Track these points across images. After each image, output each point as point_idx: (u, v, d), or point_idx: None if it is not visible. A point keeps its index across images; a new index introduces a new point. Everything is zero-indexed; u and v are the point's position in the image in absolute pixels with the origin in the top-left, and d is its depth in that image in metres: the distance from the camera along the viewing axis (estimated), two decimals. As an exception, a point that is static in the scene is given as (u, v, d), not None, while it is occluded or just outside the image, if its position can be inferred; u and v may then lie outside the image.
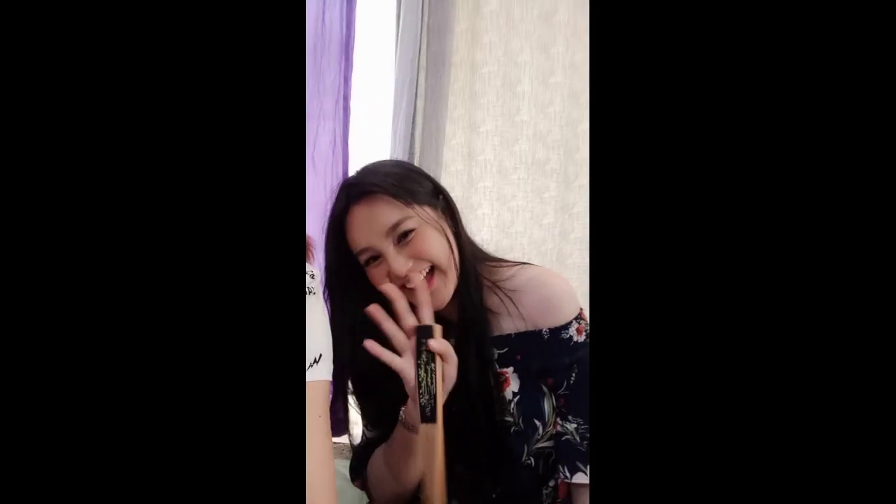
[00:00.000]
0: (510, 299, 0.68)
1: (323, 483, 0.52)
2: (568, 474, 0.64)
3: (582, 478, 0.64)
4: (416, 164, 1.06)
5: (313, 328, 0.56)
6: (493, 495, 0.69)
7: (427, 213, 0.65)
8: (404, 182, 0.66)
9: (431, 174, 0.79)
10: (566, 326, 0.66)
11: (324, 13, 1.11)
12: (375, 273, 0.64)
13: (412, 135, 1.09)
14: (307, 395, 0.52)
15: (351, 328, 0.67)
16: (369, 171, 0.69)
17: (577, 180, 1.20)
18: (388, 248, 0.63)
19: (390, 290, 0.61)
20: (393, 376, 0.61)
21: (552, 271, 0.73)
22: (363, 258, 0.65)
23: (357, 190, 0.65)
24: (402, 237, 0.63)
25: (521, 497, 0.69)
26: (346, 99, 1.12)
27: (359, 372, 0.68)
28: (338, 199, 0.67)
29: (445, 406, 0.62)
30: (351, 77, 1.12)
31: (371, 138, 1.19)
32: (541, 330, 0.67)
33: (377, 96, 1.19)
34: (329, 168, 1.12)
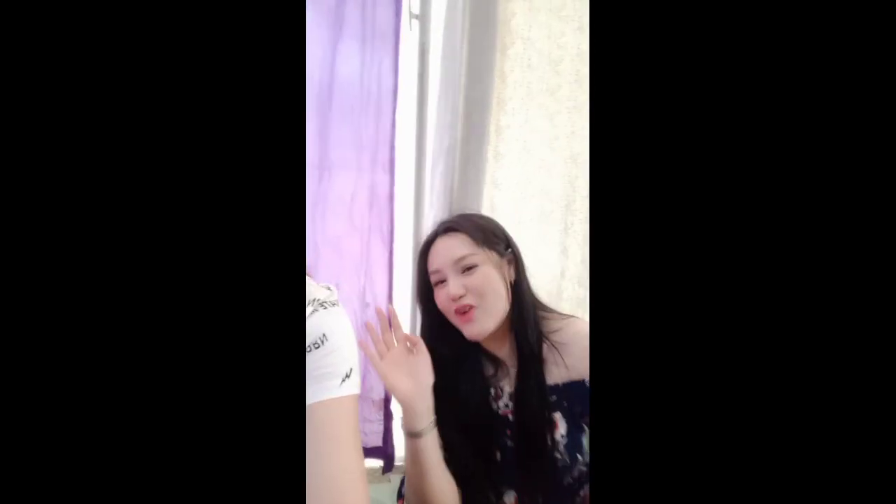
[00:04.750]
0: (558, 351, 0.79)
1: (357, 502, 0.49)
2: None
3: None
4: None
5: (341, 343, 0.54)
6: None
7: (493, 256, 0.79)
8: (482, 229, 0.81)
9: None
10: None
11: (363, 67, 1.18)
12: (439, 294, 0.80)
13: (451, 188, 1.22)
14: (338, 411, 0.51)
15: (430, 330, 0.84)
16: (461, 216, 0.87)
17: (573, 227, 1.43)
18: (451, 274, 0.78)
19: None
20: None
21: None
22: (434, 279, 0.81)
23: (445, 226, 0.84)
24: (466, 269, 0.78)
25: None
26: (392, 154, 1.20)
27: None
28: (431, 232, 0.86)
29: (500, 441, 0.75)
30: (394, 133, 1.20)
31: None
32: (584, 380, 0.78)
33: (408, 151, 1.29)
34: (365, 221, 1.19)
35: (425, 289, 0.83)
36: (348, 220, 1.18)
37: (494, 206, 1.31)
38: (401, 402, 0.75)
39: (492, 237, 0.81)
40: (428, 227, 1.18)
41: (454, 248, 0.79)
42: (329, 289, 0.60)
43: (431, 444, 0.73)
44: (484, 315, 0.77)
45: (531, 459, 0.76)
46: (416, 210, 1.26)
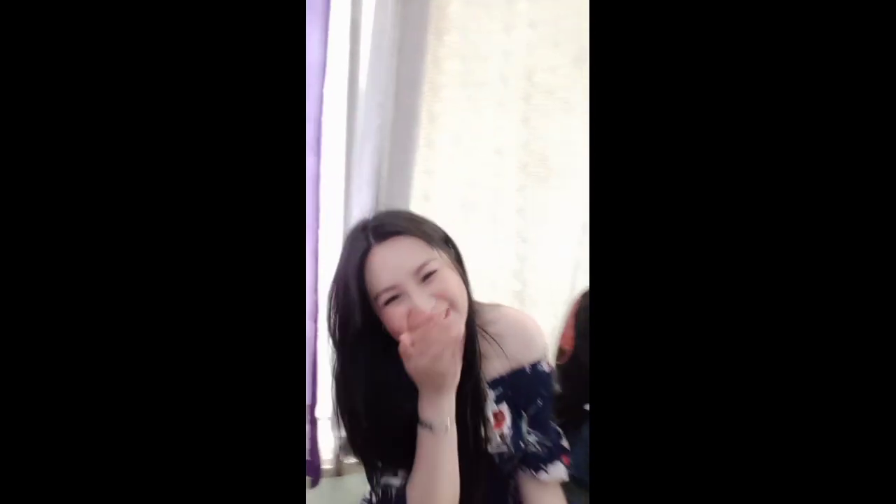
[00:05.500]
0: (497, 343, 0.75)
1: None
2: (534, 472, 0.76)
3: (545, 476, 0.75)
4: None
5: None
6: None
7: (444, 256, 0.68)
8: (424, 226, 0.70)
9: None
10: (541, 360, 0.77)
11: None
12: (394, 313, 0.64)
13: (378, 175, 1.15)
14: None
15: (367, 381, 0.67)
16: (388, 215, 0.72)
17: (505, 221, 1.43)
18: (413, 287, 0.64)
19: (406, 339, 0.63)
20: (412, 413, 0.65)
21: (523, 312, 0.84)
22: (384, 298, 0.65)
23: (384, 230, 0.67)
24: (426, 277, 0.65)
25: (494, 494, 0.77)
26: (318, 132, 1.10)
27: (378, 423, 0.68)
28: (356, 240, 0.67)
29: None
30: (322, 111, 1.11)
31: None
32: (524, 367, 0.76)
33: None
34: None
35: (365, 314, 0.66)
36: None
37: (428, 195, 1.27)
38: (447, 388, 0.65)
39: (434, 234, 0.70)
40: (356, 214, 1.10)
41: (408, 255, 0.65)
42: None
43: (452, 439, 0.66)
44: (459, 318, 0.67)
45: (470, 454, 0.71)
46: (346, 194, 1.17)
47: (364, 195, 1.14)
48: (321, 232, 1.11)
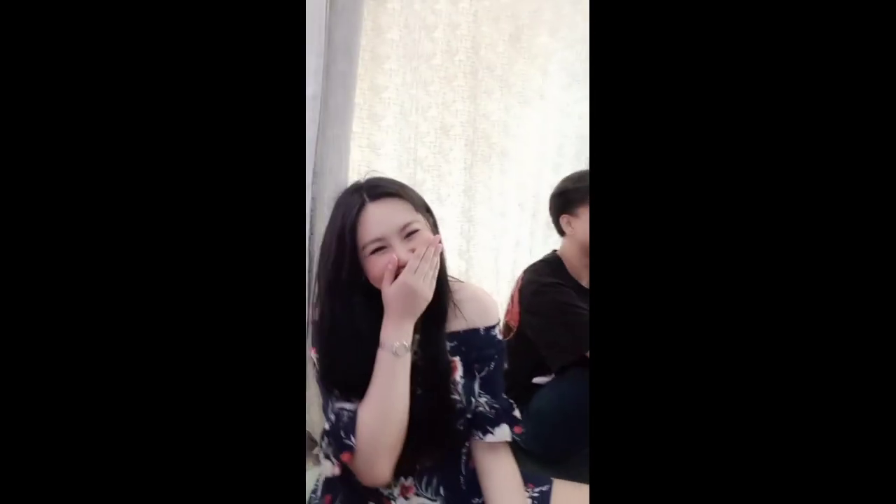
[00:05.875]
0: (458, 307, 0.87)
1: None
2: (482, 435, 0.83)
3: (490, 438, 0.82)
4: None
5: None
6: (429, 464, 0.85)
7: (425, 221, 0.81)
8: (411, 193, 0.82)
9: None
10: (494, 326, 0.88)
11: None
12: (377, 261, 0.77)
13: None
14: None
15: (344, 322, 0.79)
16: (381, 179, 0.82)
17: (449, 199, 1.41)
18: (396, 242, 0.77)
19: (410, 256, 0.78)
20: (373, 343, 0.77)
21: (483, 289, 0.96)
22: (370, 248, 0.77)
23: (378, 191, 0.78)
24: (409, 235, 0.78)
25: (448, 459, 0.86)
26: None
27: (344, 356, 0.78)
28: (351, 197, 0.79)
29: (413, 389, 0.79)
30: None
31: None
32: (479, 328, 0.87)
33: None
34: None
35: (352, 262, 0.78)
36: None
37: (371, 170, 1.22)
38: (415, 312, 0.78)
39: (420, 203, 0.83)
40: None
41: (396, 214, 0.78)
42: None
43: (407, 363, 0.78)
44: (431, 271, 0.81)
45: (436, 400, 0.81)
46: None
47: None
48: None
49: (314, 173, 1.08)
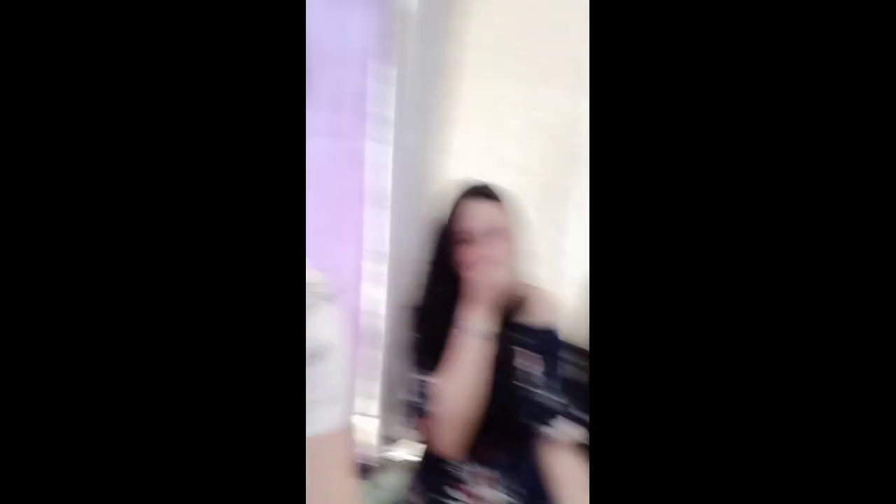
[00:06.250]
0: (538, 307, 1.00)
1: None
2: (546, 426, 0.92)
3: (551, 431, 0.91)
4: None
5: (341, 355, 0.50)
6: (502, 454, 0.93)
7: (513, 222, 0.98)
8: (506, 195, 0.98)
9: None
10: (562, 332, 0.99)
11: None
12: (466, 251, 0.93)
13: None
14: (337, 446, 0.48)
15: (434, 301, 0.96)
16: (491, 185, 0.99)
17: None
18: (484, 237, 0.93)
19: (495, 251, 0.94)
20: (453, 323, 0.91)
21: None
22: (462, 237, 0.93)
23: (484, 191, 0.97)
24: (496, 233, 0.93)
25: (522, 458, 0.94)
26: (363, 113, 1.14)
27: (428, 334, 0.94)
28: (454, 194, 0.97)
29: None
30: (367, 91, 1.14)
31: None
32: (554, 329, 0.99)
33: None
34: (332, 183, 1.13)
35: (447, 248, 0.95)
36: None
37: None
38: (494, 301, 0.90)
39: (512, 206, 0.98)
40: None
41: (493, 213, 0.94)
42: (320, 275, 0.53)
43: (485, 346, 0.90)
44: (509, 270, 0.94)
45: (509, 387, 0.92)
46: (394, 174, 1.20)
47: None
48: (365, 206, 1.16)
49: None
